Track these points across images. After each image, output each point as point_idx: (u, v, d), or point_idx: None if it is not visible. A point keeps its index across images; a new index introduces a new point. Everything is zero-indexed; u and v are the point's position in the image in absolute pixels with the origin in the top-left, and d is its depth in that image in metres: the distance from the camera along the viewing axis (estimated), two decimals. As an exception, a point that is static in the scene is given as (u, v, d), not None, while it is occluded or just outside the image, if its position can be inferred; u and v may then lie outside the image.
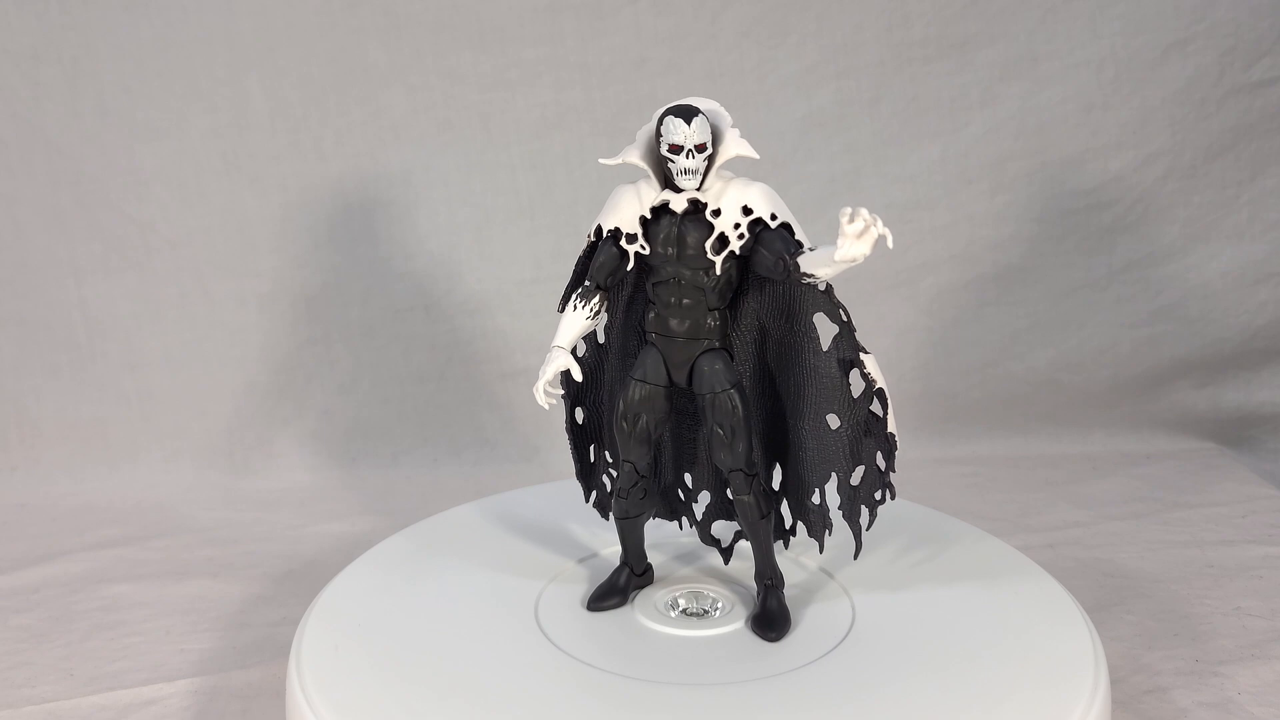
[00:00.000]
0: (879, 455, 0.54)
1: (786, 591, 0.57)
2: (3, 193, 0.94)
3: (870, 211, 0.45)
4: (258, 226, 0.96)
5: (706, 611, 0.58)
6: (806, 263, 0.49)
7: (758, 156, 0.50)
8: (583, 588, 0.60)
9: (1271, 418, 0.99)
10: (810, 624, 0.55)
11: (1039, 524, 0.81)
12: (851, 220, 0.45)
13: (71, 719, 0.58)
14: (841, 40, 0.95)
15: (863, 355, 0.52)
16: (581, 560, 0.63)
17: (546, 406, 0.52)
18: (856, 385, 0.53)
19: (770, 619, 0.55)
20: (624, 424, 0.54)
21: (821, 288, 0.52)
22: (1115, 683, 0.56)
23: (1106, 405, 1.00)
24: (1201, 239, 0.98)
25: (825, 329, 0.53)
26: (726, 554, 0.61)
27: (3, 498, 0.92)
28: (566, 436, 0.59)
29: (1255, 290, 0.98)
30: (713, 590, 0.59)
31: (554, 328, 0.54)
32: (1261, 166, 0.96)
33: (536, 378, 0.53)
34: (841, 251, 0.46)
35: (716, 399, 0.52)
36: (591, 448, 0.60)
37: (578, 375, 0.52)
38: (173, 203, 0.95)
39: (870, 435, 0.54)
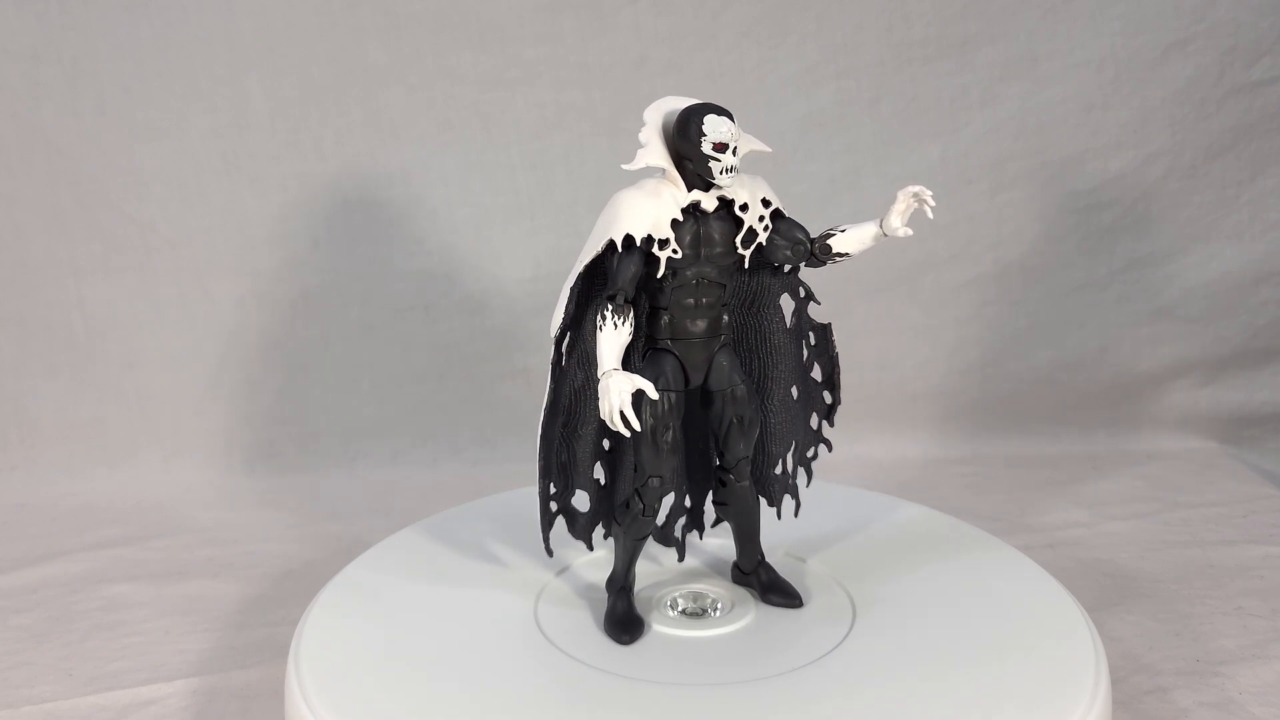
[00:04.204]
0: (814, 416, 0.58)
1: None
2: (3, 193, 0.94)
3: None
4: (257, 226, 0.95)
5: (705, 611, 0.58)
6: (839, 243, 0.52)
7: (770, 150, 0.51)
8: (582, 589, 0.60)
9: (1272, 417, 0.99)
10: (810, 624, 0.55)
11: (1039, 524, 0.81)
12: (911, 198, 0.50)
13: (71, 719, 0.58)
14: (841, 40, 0.95)
15: (829, 325, 0.57)
16: (580, 561, 0.63)
17: (639, 428, 0.49)
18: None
19: (785, 587, 0.57)
20: (654, 437, 0.52)
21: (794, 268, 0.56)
22: (1116, 683, 0.56)
23: (1107, 405, 1.00)
24: (1202, 239, 0.98)
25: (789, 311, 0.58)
26: (681, 550, 0.61)
27: (2, 498, 0.92)
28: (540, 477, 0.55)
29: (1255, 290, 0.98)
30: (712, 591, 0.59)
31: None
32: (1261, 166, 0.96)
33: (612, 408, 0.49)
34: (893, 226, 0.50)
35: (736, 391, 0.54)
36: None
37: (654, 394, 0.50)
38: (173, 203, 0.95)
39: (815, 398, 0.58)
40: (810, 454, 0.60)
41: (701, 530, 0.62)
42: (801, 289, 0.56)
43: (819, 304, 0.57)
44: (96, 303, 0.96)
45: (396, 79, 0.94)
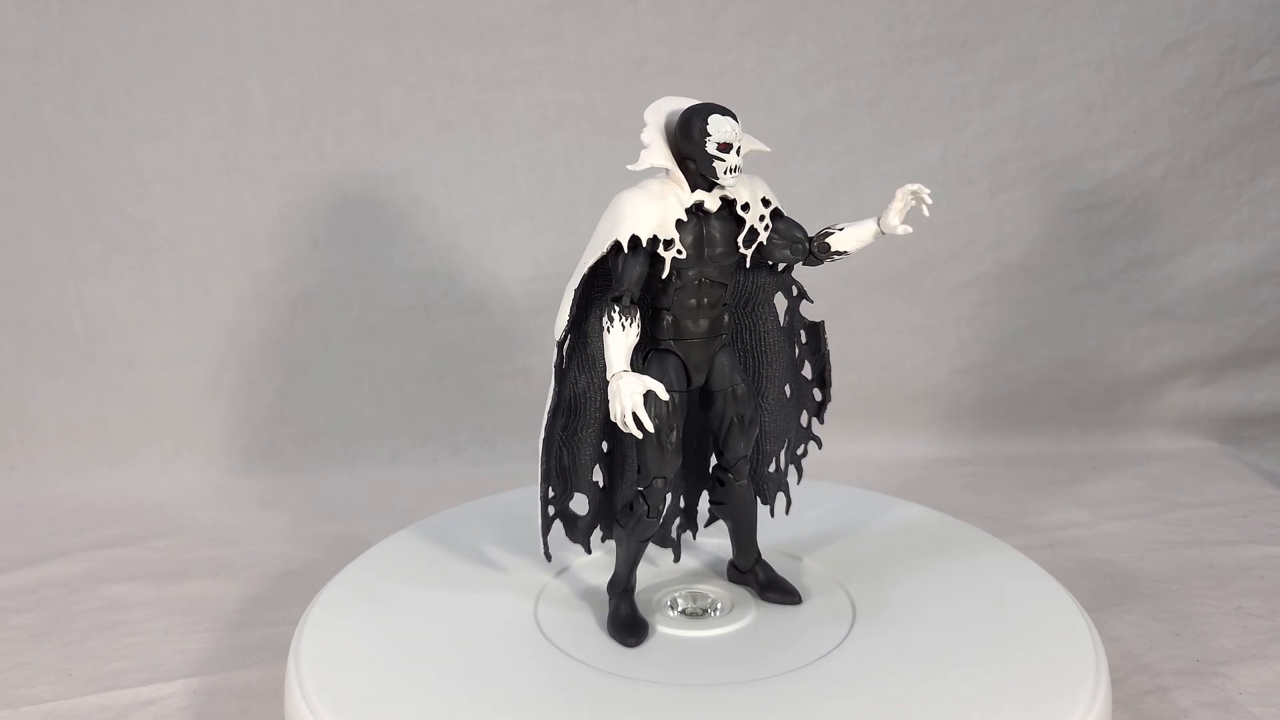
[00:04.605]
0: (804, 413, 0.59)
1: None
2: (3, 193, 0.94)
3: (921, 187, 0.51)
4: (257, 226, 0.95)
5: (705, 611, 0.58)
6: (838, 241, 0.52)
7: (769, 149, 0.51)
8: (582, 589, 0.60)
9: (1272, 417, 0.99)
10: (810, 624, 0.55)
11: (1039, 524, 0.81)
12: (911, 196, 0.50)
13: (70, 719, 0.58)
14: (841, 40, 0.95)
15: (822, 323, 0.57)
16: (580, 561, 0.63)
17: (652, 430, 0.49)
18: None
19: (783, 584, 0.58)
20: (659, 439, 0.52)
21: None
22: (1116, 683, 0.56)
23: (1107, 405, 1.00)
24: (1202, 239, 0.98)
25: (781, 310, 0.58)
26: (677, 551, 0.61)
27: (2, 498, 0.92)
28: (544, 484, 0.54)
29: (1256, 290, 0.98)
30: (711, 591, 0.59)
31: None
32: (1262, 166, 0.96)
33: (624, 410, 0.48)
34: (891, 224, 0.51)
35: (737, 390, 0.54)
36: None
37: (664, 395, 0.50)
38: (172, 203, 0.95)
39: (805, 395, 0.59)
40: (800, 451, 0.60)
41: (695, 530, 0.62)
42: (794, 287, 0.57)
43: (811, 302, 0.57)
44: (96, 303, 0.96)
45: (396, 79, 0.94)
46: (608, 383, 0.49)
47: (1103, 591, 0.69)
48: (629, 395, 0.48)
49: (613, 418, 0.49)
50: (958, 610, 0.56)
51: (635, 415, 0.48)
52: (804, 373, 0.59)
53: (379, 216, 0.96)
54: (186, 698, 0.59)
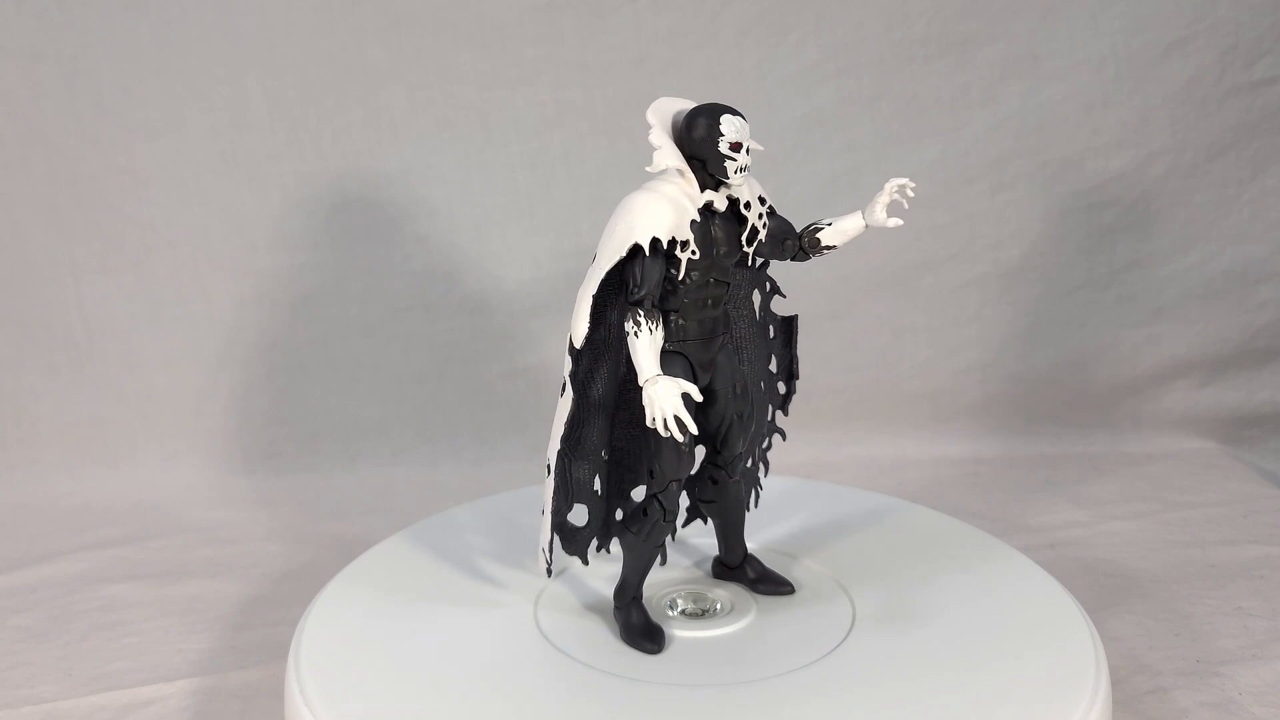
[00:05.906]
0: (770, 407, 0.60)
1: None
2: (1, 192, 0.93)
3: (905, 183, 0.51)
4: (256, 226, 0.95)
5: (706, 612, 0.58)
6: (827, 237, 0.53)
7: (763, 148, 0.52)
8: (581, 590, 0.60)
9: (1272, 417, 0.99)
10: (810, 624, 0.55)
11: (1039, 524, 0.81)
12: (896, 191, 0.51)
13: (70, 719, 0.58)
14: (842, 39, 0.95)
15: (795, 317, 0.58)
16: (578, 562, 0.62)
17: (695, 433, 0.49)
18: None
19: (774, 576, 0.59)
20: (676, 441, 0.51)
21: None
22: (1116, 683, 0.56)
23: (1106, 405, 1.00)
24: (1202, 238, 0.98)
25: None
26: (664, 553, 0.61)
27: (1, 498, 0.92)
28: (555, 499, 0.54)
29: (1256, 289, 0.98)
30: (712, 591, 0.59)
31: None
32: (1262, 165, 0.96)
33: (665, 414, 0.47)
34: (877, 218, 0.51)
35: (738, 388, 0.54)
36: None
37: (698, 396, 0.49)
38: (171, 202, 0.95)
39: (773, 390, 0.59)
40: (765, 445, 0.61)
41: (674, 532, 0.62)
42: (768, 283, 0.57)
43: (784, 297, 0.58)
44: (95, 302, 0.95)
45: (396, 78, 0.94)
46: (639, 388, 0.49)
47: (1103, 591, 0.69)
48: (668, 400, 0.47)
49: (650, 423, 0.48)
50: (958, 610, 0.56)
51: (678, 419, 0.48)
52: (770, 367, 0.59)
53: (379, 216, 0.96)
54: (186, 698, 0.59)
